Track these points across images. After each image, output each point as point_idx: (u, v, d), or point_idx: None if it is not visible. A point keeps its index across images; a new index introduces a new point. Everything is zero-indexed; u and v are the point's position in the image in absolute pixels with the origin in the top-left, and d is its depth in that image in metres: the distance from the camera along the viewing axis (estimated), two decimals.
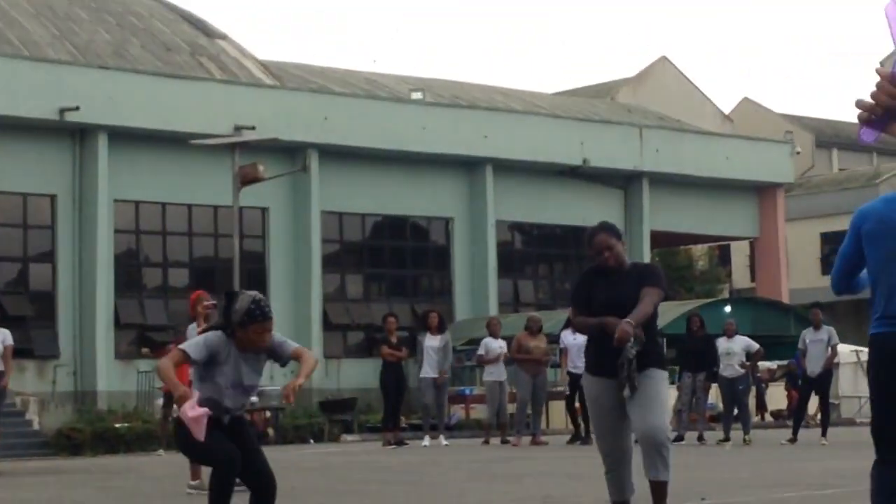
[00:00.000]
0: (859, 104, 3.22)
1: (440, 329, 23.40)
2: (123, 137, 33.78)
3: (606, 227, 9.11)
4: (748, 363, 23.17)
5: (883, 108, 3.20)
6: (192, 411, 7.87)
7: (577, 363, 21.02)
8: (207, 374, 8.23)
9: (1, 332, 19.04)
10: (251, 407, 27.84)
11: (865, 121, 3.22)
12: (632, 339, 8.38)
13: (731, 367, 22.79)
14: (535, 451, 21.37)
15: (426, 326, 23.42)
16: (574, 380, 21.87)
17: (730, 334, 23.17)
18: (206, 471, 14.17)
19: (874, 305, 6.31)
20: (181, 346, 8.33)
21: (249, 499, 8.13)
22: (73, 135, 33.74)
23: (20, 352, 32.33)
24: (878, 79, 3.22)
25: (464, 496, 13.09)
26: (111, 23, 39.90)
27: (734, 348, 22.94)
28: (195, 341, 8.37)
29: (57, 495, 14.98)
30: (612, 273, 8.83)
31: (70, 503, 13.82)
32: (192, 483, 13.55)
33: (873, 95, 3.20)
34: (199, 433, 7.93)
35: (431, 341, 23.22)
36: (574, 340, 21.66)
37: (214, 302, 14.06)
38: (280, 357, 8.40)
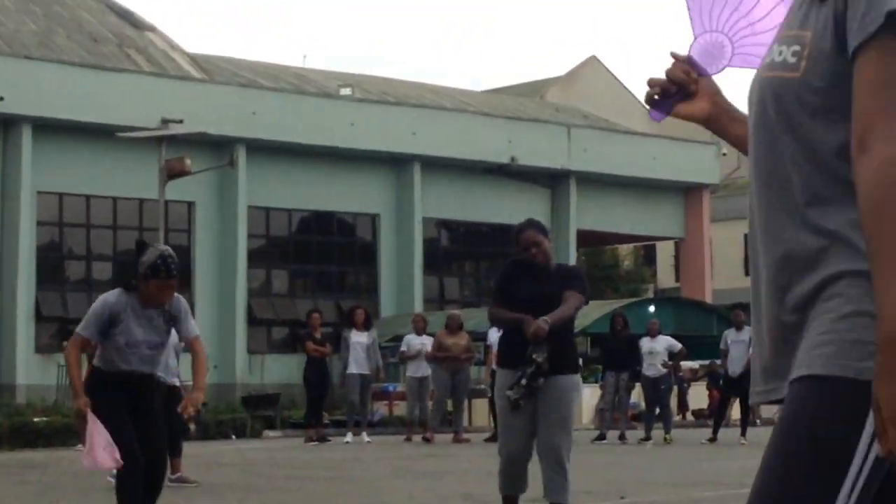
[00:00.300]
0: (650, 82, 3.24)
1: (366, 325, 23.30)
2: (48, 129, 33.45)
3: (534, 224, 9.06)
4: (671, 363, 23.31)
5: (676, 84, 3.21)
6: (100, 452, 7.98)
7: None
8: (107, 334, 8.28)
9: None
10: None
11: (651, 101, 3.26)
12: (542, 346, 8.34)
13: (653, 366, 22.91)
14: (457, 448, 21.38)
15: (352, 322, 23.27)
16: None
17: (653, 334, 23.30)
18: (186, 464, 14.12)
19: None
20: (78, 330, 8.35)
21: None
22: None
23: None
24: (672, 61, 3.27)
25: (385, 493, 13.07)
26: (37, 13, 39.49)
27: (657, 348, 23.07)
28: (88, 319, 8.37)
29: None
30: (536, 269, 8.74)
31: None
32: (172, 477, 13.53)
33: (668, 72, 3.23)
34: (107, 462, 8.08)
35: (358, 337, 23.08)
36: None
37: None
38: (179, 329, 8.45)
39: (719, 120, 3.26)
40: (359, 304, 25.99)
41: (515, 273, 8.86)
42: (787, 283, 2.74)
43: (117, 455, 8.05)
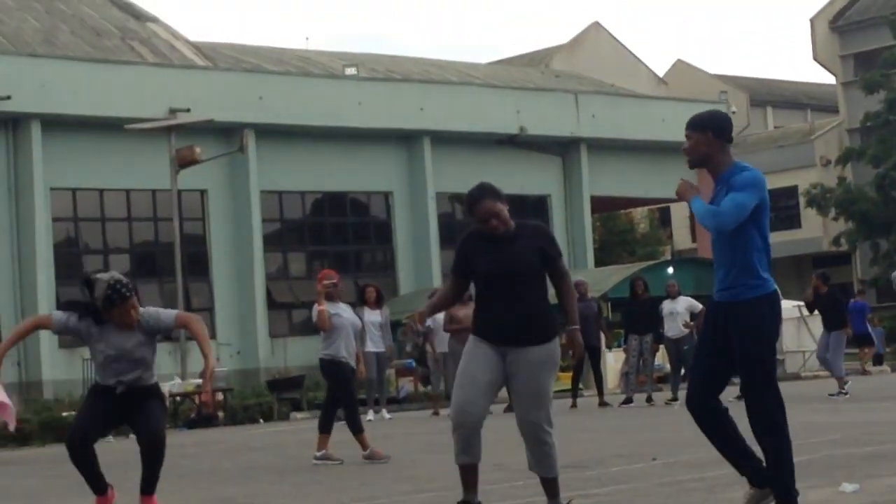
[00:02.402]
0: None
1: (378, 303, 23.25)
2: (57, 125, 33.50)
3: (488, 191, 8.11)
4: (692, 323, 23.30)
5: None
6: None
7: None
8: (91, 349, 8.93)
9: None
10: (196, 389, 27.86)
11: None
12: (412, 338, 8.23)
13: (675, 327, 22.91)
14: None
15: (364, 301, 23.23)
16: None
17: (673, 295, 23.29)
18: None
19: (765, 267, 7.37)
20: (55, 311, 9.03)
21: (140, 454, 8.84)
22: (6, 124, 33.42)
23: None
24: None
25: (417, 467, 13.11)
26: (39, 10, 39.51)
27: (678, 309, 23.07)
28: (64, 315, 9.02)
29: (6, 485, 14.89)
30: (496, 238, 8.06)
31: (20, 493, 13.74)
32: (318, 454, 13.91)
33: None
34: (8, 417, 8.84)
35: (371, 316, 23.05)
36: None
37: (335, 281, 14.65)
38: (161, 330, 8.89)
39: None
40: (369, 282, 25.95)
41: (473, 246, 8.14)
42: None
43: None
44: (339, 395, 14.38)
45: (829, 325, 23.06)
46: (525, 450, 8.12)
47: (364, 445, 14.03)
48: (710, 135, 7.49)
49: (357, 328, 14.84)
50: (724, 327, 7.45)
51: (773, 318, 7.51)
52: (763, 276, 7.44)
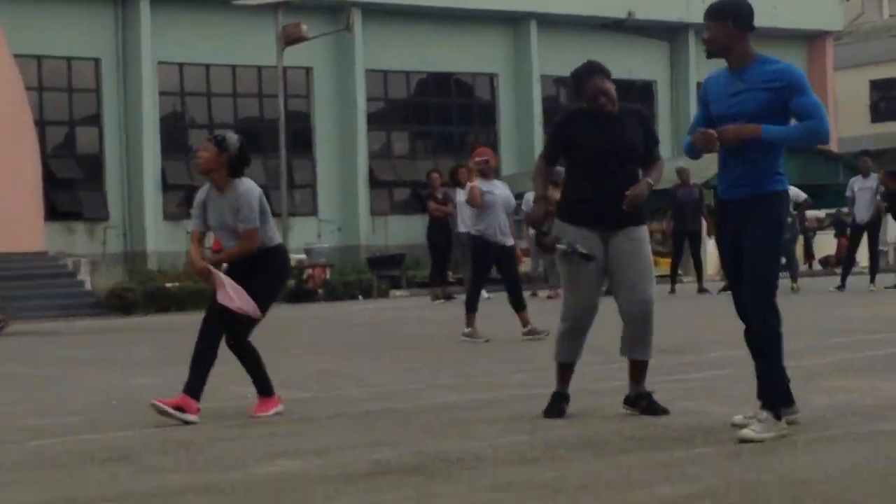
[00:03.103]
0: None
1: None
2: (165, 0, 33.67)
3: (597, 69, 8.02)
4: (795, 212, 23.07)
5: None
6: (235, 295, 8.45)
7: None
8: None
9: None
10: (301, 265, 28.15)
11: None
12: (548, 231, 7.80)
13: None
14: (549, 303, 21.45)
15: (456, 182, 23.14)
16: None
17: None
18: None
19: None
20: (254, 227, 8.63)
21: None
22: None
23: (69, 214, 32.73)
24: None
25: (515, 348, 13.20)
26: None
27: None
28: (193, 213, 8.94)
29: (111, 353, 15.22)
30: (603, 116, 7.92)
31: (126, 360, 14.04)
32: (466, 331, 14.03)
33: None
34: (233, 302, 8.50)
35: (463, 196, 23.04)
36: None
37: (488, 158, 14.82)
38: (234, 214, 8.63)
39: None
40: (461, 163, 25.90)
41: (580, 122, 7.97)
42: None
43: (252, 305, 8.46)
44: (481, 273, 14.36)
45: None
46: (623, 333, 7.99)
47: (525, 322, 14.01)
48: (730, 24, 7.08)
49: (511, 206, 14.68)
50: (738, 226, 7.11)
51: (787, 216, 7.30)
52: (783, 171, 7.22)
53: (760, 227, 7.06)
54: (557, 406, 8.00)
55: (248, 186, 8.66)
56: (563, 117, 8.13)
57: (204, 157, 8.62)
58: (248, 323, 8.66)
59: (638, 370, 8.01)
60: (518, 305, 14.19)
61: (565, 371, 8.09)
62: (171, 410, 8.33)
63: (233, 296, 8.41)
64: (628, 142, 7.89)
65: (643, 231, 8.00)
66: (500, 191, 14.50)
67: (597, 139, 7.86)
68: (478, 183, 14.39)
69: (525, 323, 14.06)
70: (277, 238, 8.87)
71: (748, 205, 7.08)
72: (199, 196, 8.81)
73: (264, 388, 8.77)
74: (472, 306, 14.25)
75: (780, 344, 7.09)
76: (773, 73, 7.10)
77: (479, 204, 14.29)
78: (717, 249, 7.70)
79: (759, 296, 7.04)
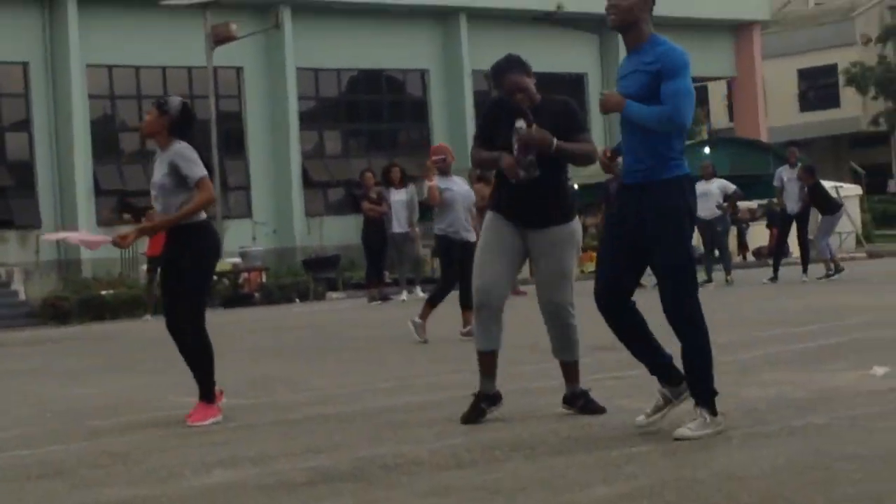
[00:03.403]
0: None
1: (403, 182, 23.18)
2: (93, 1, 33.39)
3: (515, 63, 7.90)
4: (726, 204, 23.26)
5: None
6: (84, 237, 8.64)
7: None
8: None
9: None
10: (233, 268, 28.05)
11: None
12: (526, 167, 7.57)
13: (708, 208, 22.81)
14: (517, 300, 21.51)
15: (388, 181, 23.17)
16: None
17: (707, 176, 23.22)
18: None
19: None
20: (203, 175, 8.64)
21: None
22: (42, 0, 33.34)
23: (0, 223, 32.42)
24: None
25: (456, 348, 13.20)
26: None
27: (711, 189, 23.02)
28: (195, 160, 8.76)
29: (46, 363, 15.10)
30: (521, 111, 7.78)
31: (61, 371, 13.93)
32: (463, 330, 13.77)
33: None
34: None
35: (396, 195, 23.04)
36: None
37: (444, 156, 14.68)
38: (181, 173, 8.60)
39: None
40: (394, 162, 25.89)
41: (498, 114, 7.87)
42: None
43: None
44: (450, 271, 14.30)
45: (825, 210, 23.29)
46: (548, 334, 7.99)
47: (466, 322, 13.85)
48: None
49: (471, 201, 14.56)
50: (637, 212, 6.93)
51: (693, 200, 7.01)
52: (681, 155, 6.97)
53: (656, 218, 6.88)
54: (476, 409, 7.85)
55: (186, 144, 8.69)
56: (486, 108, 8.10)
57: (147, 122, 8.74)
58: (189, 306, 8.63)
59: (569, 370, 7.98)
60: (466, 303, 14.07)
61: (486, 361, 7.92)
62: (208, 423, 8.44)
63: (82, 238, 8.76)
64: None
65: (566, 230, 7.83)
66: (458, 187, 14.45)
67: (507, 132, 7.73)
68: (436, 181, 14.34)
69: (466, 322, 13.93)
70: (203, 214, 8.82)
71: (643, 191, 6.93)
72: (156, 155, 8.91)
73: (204, 391, 8.70)
74: (433, 301, 14.09)
75: (707, 338, 7.00)
76: (654, 56, 7.01)
77: (438, 202, 14.25)
78: (604, 232, 7.51)
79: (675, 284, 6.92)
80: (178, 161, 8.57)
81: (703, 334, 6.98)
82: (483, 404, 7.89)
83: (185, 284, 8.61)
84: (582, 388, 8.01)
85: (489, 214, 7.91)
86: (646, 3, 7.10)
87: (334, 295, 28.84)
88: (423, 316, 14.03)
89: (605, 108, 7.06)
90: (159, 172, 8.67)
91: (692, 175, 7.11)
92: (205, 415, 8.60)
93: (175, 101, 8.79)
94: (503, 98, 7.90)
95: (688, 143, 32.60)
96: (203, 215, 8.75)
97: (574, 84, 42.07)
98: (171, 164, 8.59)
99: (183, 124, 8.71)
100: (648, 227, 6.92)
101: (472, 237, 14.08)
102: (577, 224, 7.98)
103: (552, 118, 7.78)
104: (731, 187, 23.27)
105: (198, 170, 8.58)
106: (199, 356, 8.68)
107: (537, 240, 7.83)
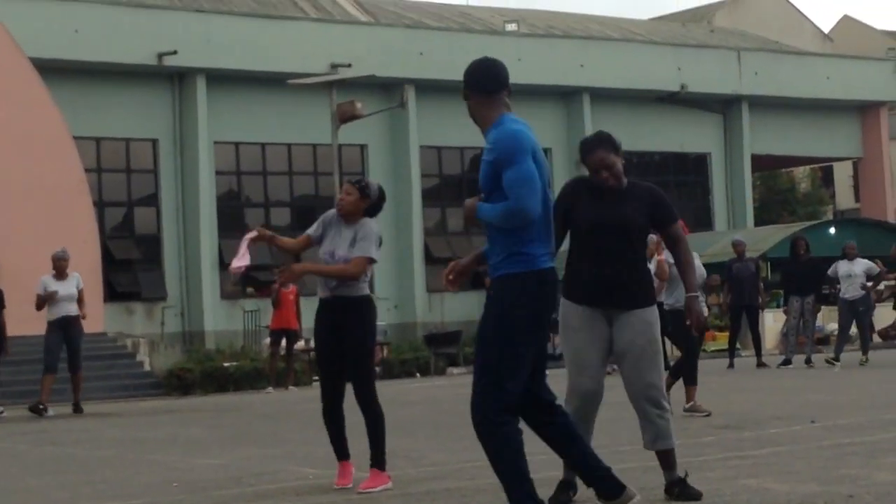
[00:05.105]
0: None
1: None
2: (221, 79, 34.03)
3: (604, 140, 7.56)
4: (870, 284, 22.95)
5: None
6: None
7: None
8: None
9: (74, 275, 19.51)
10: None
11: None
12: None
13: (853, 288, 22.39)
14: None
15: None
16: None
17: (851, 256, 22.84)
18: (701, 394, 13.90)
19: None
20: (372, 255, 8.81)
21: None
22: (172, 79, 34.04)
23: (128, 295, 32.96)
24: None
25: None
26: None
27: (856, 270, 22.63)
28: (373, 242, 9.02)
29: (171, 433, 15.24)
30: (606, 191, 7.46)
31: (185, 441, 14.05)
32: (686, 406, 13.55)
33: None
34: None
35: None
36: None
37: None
38: (350, 244, 8.80)
39: None
40: None
41: (579, 193, 7.53)
42: None
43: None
44: (687, 344, 13.95)
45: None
46: (640, 425, 7.55)
47: (690, 397, 13.52)
48: (468, 91, 6.77)
49: (703, 276, 13.97)
50: (486, 308, 6.64)
51: (514, 301, 6.48)
52: (535, 248, 6.50)
53: (485, 317, 6.57)
54: (562, 495, 7.59)
55: (374, 224, 8.94)
56: (565, 186, 7.74)
57: (348, 200, 8.87)
58: (365, 372, 9.01)
59: (664, 458, 7.58)
60: (690, 380, 13.63)
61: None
62: (378, 490, 8.67)
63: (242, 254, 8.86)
64: (625, 219, 7.39)
65: (651, 312, 7.48)
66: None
67: (591, 213, 7.43)
68: (665, 255, 14.10)
69: (689, 398, 13.50)
70: (367, 289, 9.01)
71: (493, 287, 6.65)
72: (327, 216, 9.04)
73: (379, 458, 8.97)
74: (689, 379, 13.62)
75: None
76: (491, 143, 6.62)
77: (666, 277, 14.06)
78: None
79: (477, 380, 6.57)
80: (366, 234, 8.81)
81: (503, 440, 6.79)
82: (569, 492, 7.61)
83: (360, 350, 8.92)
84: (679, 474, 7.58)
85: (570, 304, 7.48)
86: (472, 96, 6.88)
87: (455, 370, 28.83)
88: (690, 397, 13.57)
89: (464, 218, 6.79)
90: (344, 245, 8.82)
91: (546, 269, 6.54)
92: (376, 482, 8.81)
93: (374, 185, 9.00)
94: (582, 179, 7.66)
95: (813, 222, 32.50)
96: (367, 291, 8.95)
97: (697, 163, 41.93)
98: (357, 238, 8.83)
99: (378, 209, 8.95)
100: (483, 324, 6.60)
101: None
102: (655, 310, 7.58)
103: (643, 202, 7.50)
104: (876, 269, 22.98)
105: (374, 251, 8.80)
106: (376, 423, 9.06)
107: (626, 322, 7.44)
